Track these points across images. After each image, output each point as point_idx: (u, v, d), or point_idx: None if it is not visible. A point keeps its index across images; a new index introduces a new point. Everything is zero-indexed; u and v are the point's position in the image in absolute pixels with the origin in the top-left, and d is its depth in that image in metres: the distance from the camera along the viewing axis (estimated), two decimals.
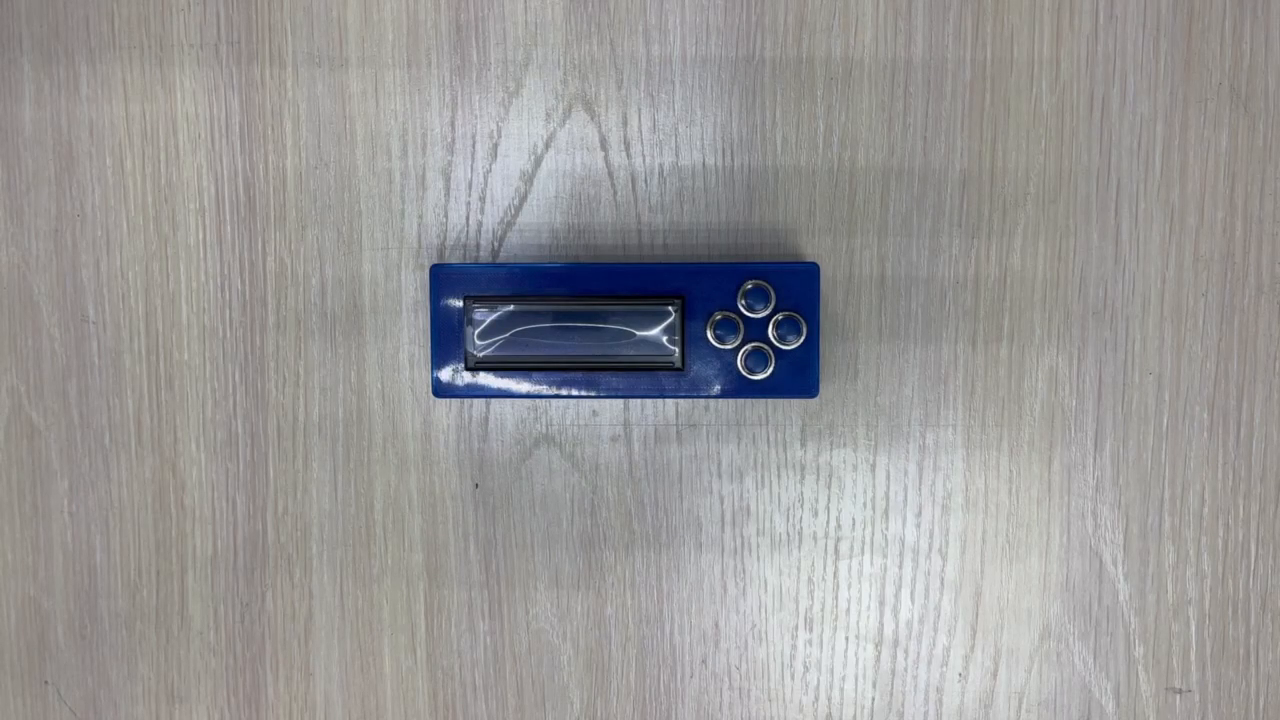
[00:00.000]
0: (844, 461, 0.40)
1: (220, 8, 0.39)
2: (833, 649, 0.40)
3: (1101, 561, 0.40)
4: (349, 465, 0.40)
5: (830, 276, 0.39)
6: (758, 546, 0.40)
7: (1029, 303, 0.39)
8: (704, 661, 0.41)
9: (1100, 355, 0.39)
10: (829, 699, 0.40)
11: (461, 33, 0.39)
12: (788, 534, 0.40)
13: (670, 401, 0.40)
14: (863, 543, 0.40)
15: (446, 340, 0.35)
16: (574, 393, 0.35)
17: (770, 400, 0.39)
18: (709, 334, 0.35)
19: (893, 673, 0.40)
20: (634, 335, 0.35)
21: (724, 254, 0.39)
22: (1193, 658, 0.40)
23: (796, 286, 0.35)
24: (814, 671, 0.40)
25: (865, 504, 0.40)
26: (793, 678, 0.40)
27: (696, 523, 0.40)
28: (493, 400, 0.40)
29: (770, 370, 0.35)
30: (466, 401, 0.40)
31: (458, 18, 0.39)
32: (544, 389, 0.35)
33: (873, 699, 0.40)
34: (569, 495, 0.40)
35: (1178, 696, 0.40)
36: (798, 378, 0.35)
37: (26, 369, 0.40)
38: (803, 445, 0.40)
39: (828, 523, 0.40)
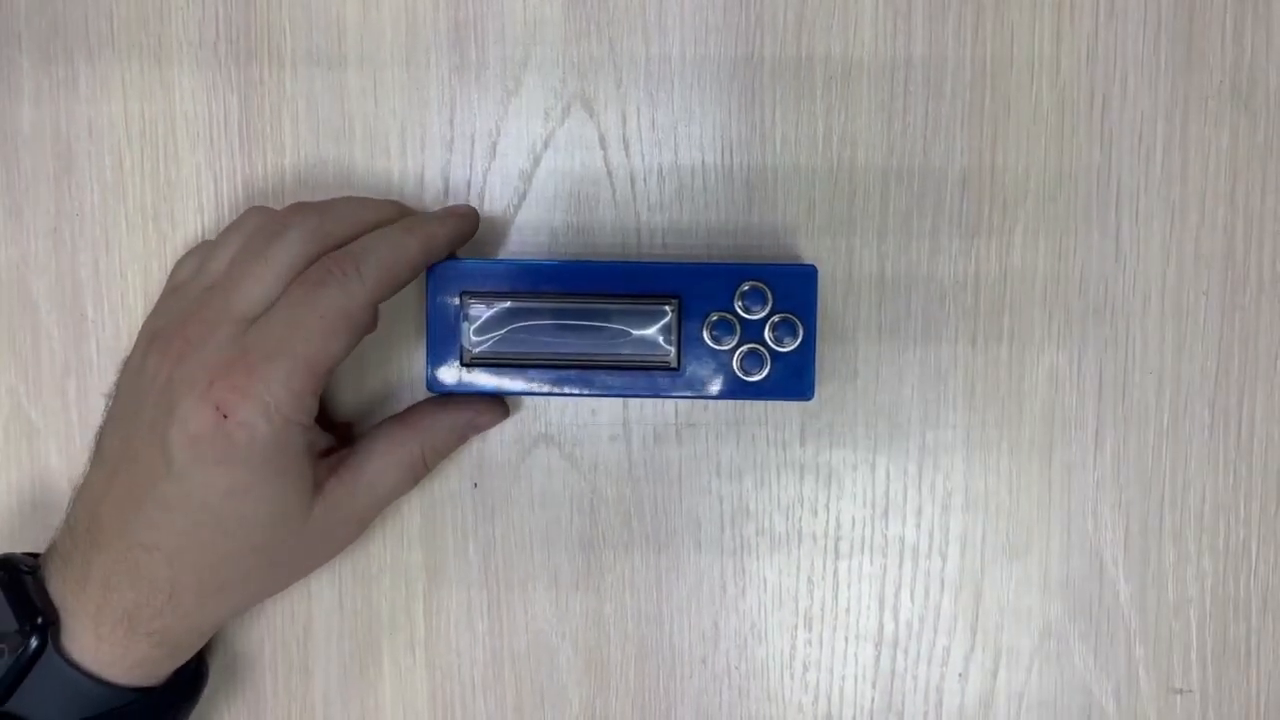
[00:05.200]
0: (843, 461, 0.40)
1: (219, 7, 0.39)
2: (832, 649, 0.40)
3: (1102, 561, 0.39)
4: None
5: (830, 276, 0.39)
6: (757, 546, 0.40)
7: (1029, 301, 0.39)
8: (703, 661, 0.40)
9: (1101, 354, 0.39)
10: (829, 699, 0.40)
11: (460, 31, 0.39)
12: (787, 534, 0.40)
13: (669, 401, 0.40)
14: (862, 542, 0.40)
15: (442, 336, 0.35)
16: (569, 391, 0.35)
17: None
18: (705, 334, 0.35)
19: (892, 673, 0.40)
20: (630, 334, 0.35)
21: (723, 253, 0.39)
22: (1194, 658, 0.39)
23: (794, 288, 0.35)
24: (813, 671, 0.40)
25: (865, 504, 0.40)
26: (792, 677, 0.40)
27: (696, 522, 0.40)
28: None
29: (766, 372, 0.35)
30: None
31: (456, 16, 0.39)
32: (539, 386, 0.35)
33: (872, 699, 0.40)
34: (568, 495, 0.40)
35: (1179, 696, 0.40)
36: (793, 380, 0.35)
37: (25, 368, 0.40)
38: (802, 445, 0.40)
39: (827, 522, 0.40)
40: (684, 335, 0.35)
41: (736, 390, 0.35)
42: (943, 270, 0.39)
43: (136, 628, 0.33)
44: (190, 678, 0.37)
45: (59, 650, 0.33)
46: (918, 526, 0.40)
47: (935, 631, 0.40)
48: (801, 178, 0.39)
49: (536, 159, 0.39)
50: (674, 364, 0.35)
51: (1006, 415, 0.39)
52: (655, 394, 0.35)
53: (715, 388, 0.35)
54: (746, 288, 0.35)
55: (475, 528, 0.40)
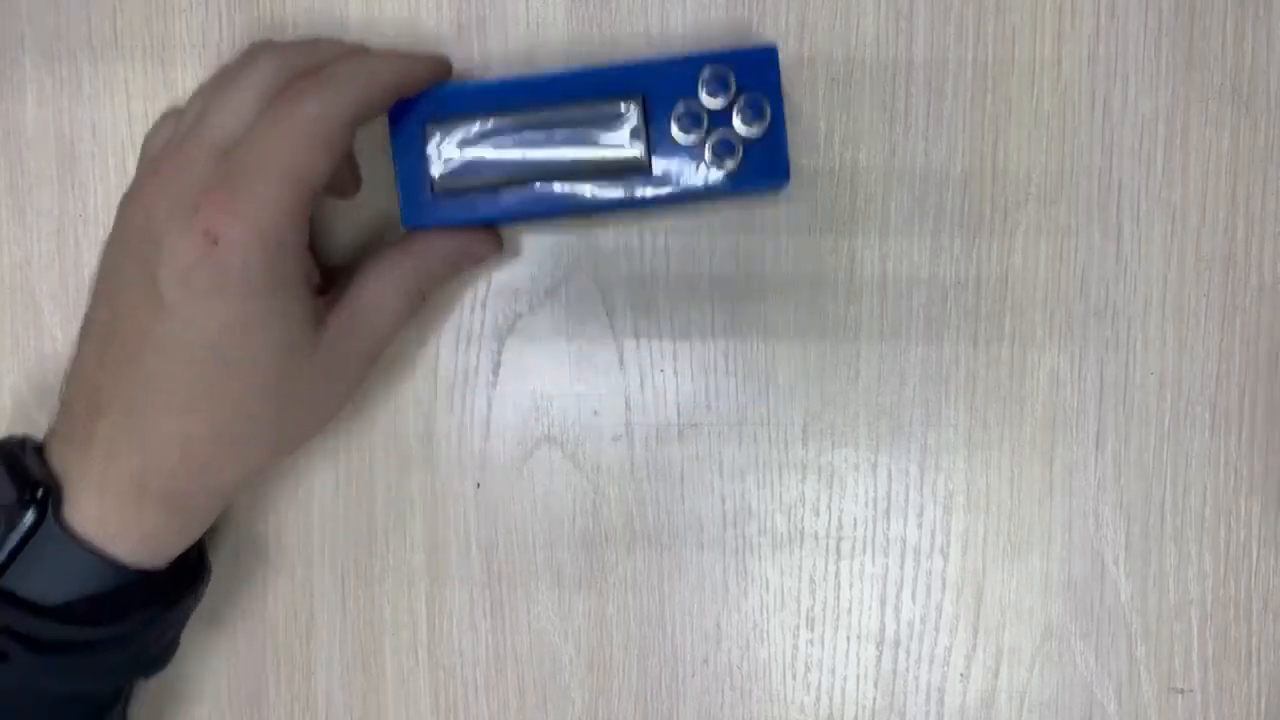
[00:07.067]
0: (845, 461, 0.40)
1: (222, 8, 0.39)
2: (834, 649, 0.40)
3: (1103, 561, 0.40)
4: (350, 466, 0.40)
5: (833, 277, 0.39)
6: (759, 546, 0.40)
7: (1030, 303, 0.39)
8: (705, 661, 0.41)
9: (1102, 355, 0.39)
10: (830, 699, 0.40)
11: (463, 33, 0.39)
12: (789, 534, 0.40)
13: (672, 402, 0.40)
14: (864, 542, 0.40)
15: (410, 171, 0.34)
16: (543, 210, 0.35)
17: (772, 400, 0.39)
18: (674, 128, 0.34)
19: (894, 673, 0.40)
20: (598, 139, 0.34)
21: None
22: (1194, 658, 0.40)
23: (756, 71, 0.34)
24: (815, 671, 0.40)
25: (867, 504, 0.40)
26: (794, 678, 0.40)
27: (698, 522, 0.40)
28: (494, 401, 0.40)
29: (739, 159, 0.34)
30: (468, 402, 0.40)
31: (459, 18, 0.39)
32: (514, 206, 0.35)
33: (874, 699, 0.40)
34: (570, 495, 0.40)
35: (1179, 697, 0.40)
36: (767, 164, 0.34)
37: (29, 369, 0.40)
38: (804, 445, 0.40)
39: (829, 522, 0.40)
40: (652, 133, 0.34)
41: (713, 187, 0.34)
42: (944, 271, 0.39)
43: (146, 492, 0.31)
44: (193, 569, 0.35)
45: (60, 523, 0.31)
46: (919, 526, 0.40)
47: (937, 631, 0.40)
48: (804, 179, 0.39)
49: None
50: (645, 161, 0.34)
51: (1008, 416, 0.39)
52: (631, 202, 0.34)
53: (689, 181, 0.34)
54: (707, 75, 0.34)
55: (478, 528, 0.40)
